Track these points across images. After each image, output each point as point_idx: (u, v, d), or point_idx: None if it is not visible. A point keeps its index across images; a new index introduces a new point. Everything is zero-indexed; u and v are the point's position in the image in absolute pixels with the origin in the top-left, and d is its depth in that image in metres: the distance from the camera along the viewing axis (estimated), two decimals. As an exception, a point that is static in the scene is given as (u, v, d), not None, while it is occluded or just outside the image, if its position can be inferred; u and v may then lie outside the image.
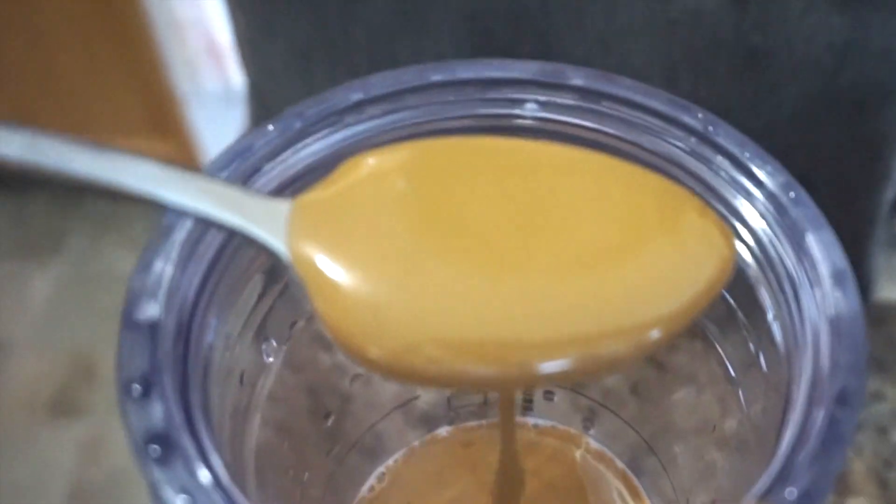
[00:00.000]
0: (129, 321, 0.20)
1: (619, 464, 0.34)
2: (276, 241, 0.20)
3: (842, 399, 0.20)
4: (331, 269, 0.20)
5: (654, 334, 0.22)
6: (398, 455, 0.33)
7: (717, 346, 0.28)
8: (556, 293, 0.21)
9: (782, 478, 0.19)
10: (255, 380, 0.25)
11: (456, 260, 0.21)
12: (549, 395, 0.34)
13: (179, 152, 1.15)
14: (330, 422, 0.30)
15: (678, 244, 0.23)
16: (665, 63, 0.38)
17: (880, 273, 0.49)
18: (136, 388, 0.19)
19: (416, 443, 0.33)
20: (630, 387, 0.34)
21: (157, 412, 0.19)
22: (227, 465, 0.20)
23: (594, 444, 0.34)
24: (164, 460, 0.18)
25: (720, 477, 0.29)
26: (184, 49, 1.11)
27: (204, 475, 0.18)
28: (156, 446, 0.18)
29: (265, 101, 0.48)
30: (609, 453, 0.34)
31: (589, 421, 0.34)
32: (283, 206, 0.21)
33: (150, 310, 0.20)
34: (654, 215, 0.23)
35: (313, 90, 0.25)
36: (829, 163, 0.40)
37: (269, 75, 0.46)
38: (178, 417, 0.19)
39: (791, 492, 0.19)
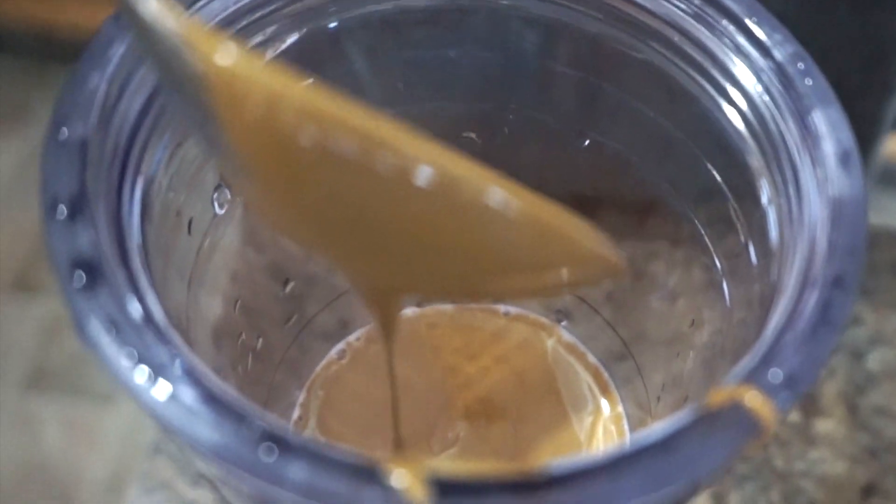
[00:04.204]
0: (55, 138, 0.18)
1: (592, 358, 0.32)
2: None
3: (838, 282, 0.18)
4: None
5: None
6: (360, 332, 0.32)
7: (707, 242, 0.26)
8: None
9: (767, 359, 0.18)
10: (205, 231, 0.23)
11: None
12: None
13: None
14: (288, 288, 0.29)
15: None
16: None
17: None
18: (62, 209, 0.17)
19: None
20: (605, 293, 0.32)
21: (84, 237, 0.17)
22: (167, 313, 0.18)
23: (567, 337, 0.33)
24: (89, 289, 0.17)
25: (695, 380, 0.28)
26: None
27: (134, 308, 0.17)
28: (81, 273, 0.17)
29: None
30: (582, 347, 0.33)
31: (562, 313, 0.33)
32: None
33: (80, 128, 0.18)
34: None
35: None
36: (831, 70, 0.38)
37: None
38: (110, 247, 0.17)
39: (775, 373, 0.17)
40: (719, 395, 0.17)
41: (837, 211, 0.19)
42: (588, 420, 0.31)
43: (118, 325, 0.16)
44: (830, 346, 0.18)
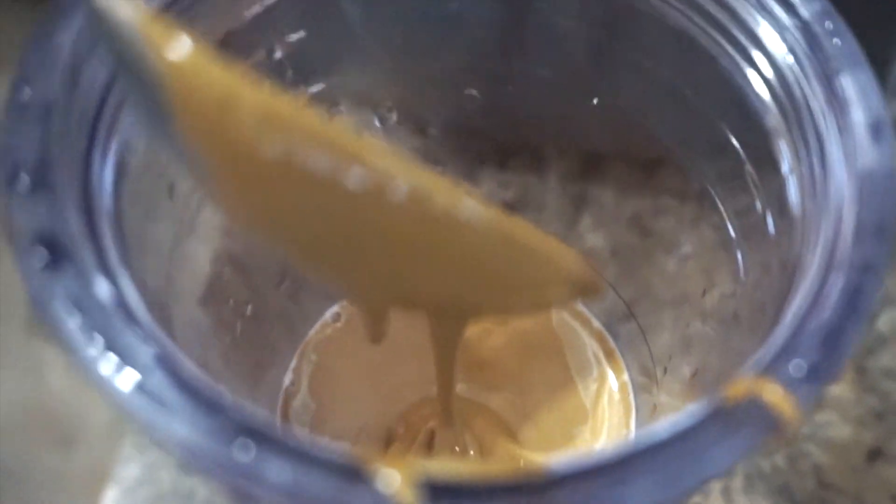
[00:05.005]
0: (17, 100, 0.16)
1: (597, 323, 0.31)
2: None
3: (866, 267, 0.17)
4: None
5: None
6: (356, 295, 0.31)
7: (719, 203, 0.25)
8: None
9: (789, 350, 0.16)
10: (189, 195, 0.22)
11: None
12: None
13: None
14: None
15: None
16: None
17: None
18: (24, 178, 0.16)
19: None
20: (610, 250, 0.31)
21: (48, 210, 0.16)
22: (147, 289, 0.17)
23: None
24: (53, 268, 0.15)
25: (704, 350, 0.27)
26: None
27: (102, 289, 0.15)
28: (44, 250, 0.15)
29: None
30: (586, 312, 0.31)
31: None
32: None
33: (45, 88, 0.16)
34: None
35: None
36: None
37: None
38: (77, 221, 0.16)
39: (798, 366, 0.16)
40: (736, 388, 0.16)
41: (866, 186, 0.18)
42: (593, 387, 0.30)
43: (83, 309, 0.15)
44: (858, 338, 0.16)
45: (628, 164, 0.30)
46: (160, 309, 0.19)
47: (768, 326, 0.18)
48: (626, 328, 0.31)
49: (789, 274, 0.20)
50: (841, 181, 0.18)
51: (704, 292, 0.27)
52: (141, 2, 0.15)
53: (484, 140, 0.30)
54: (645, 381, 0.30)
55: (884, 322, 0.35)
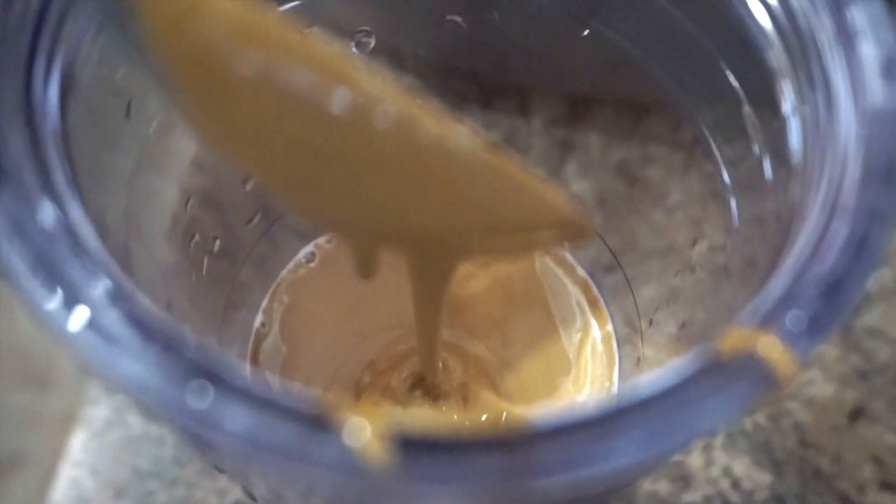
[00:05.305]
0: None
1: (581, 271, 0.30)
2: None
3: (873, 211, 0.16)
4: None
5: None
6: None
7: (713, 146, 0.24)
8: None
9: (787, 300, 0.15)
10: (152, 116, 0.20)
11: None
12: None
13: None
14: (249, 186, 0.26)
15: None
16: None
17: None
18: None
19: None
20: (597, 198, 0.30)
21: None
22: (102, 220, 0.16)
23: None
24: (-8, 191, 0.14)
25: (691, 304, 0.26)
26: None
27: (46, 215, 0.14)
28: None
29: None
30: (571, 259, 0.30)
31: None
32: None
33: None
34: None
35: None
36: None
37: None
38: (17, 136, 0.14)
39: (797, 317, 0.15)
40: (729, 340, 0.15)
41: (876, 126, 0.17)
42: (576, 337, 0.29)
43: (25, 235, 0.14)
44: (861, 288, 0.15)
45: (617, 108, 0.29)
46: (117, 241, 0.18)
47: (761, 280, 0.17)
48: (612, 278, 0.30)
49: (785, 225, 0.18)
50: (848, 121, 0.17)
51: (694, 243, 0.26)
52: None
53: (467, 78, 0.29)
54: (629, 333, 0.29)
55: (871, 281, 0.34)
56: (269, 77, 0.14)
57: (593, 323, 0.29)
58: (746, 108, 0.22)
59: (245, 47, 0.14)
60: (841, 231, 0.16)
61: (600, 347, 0.29)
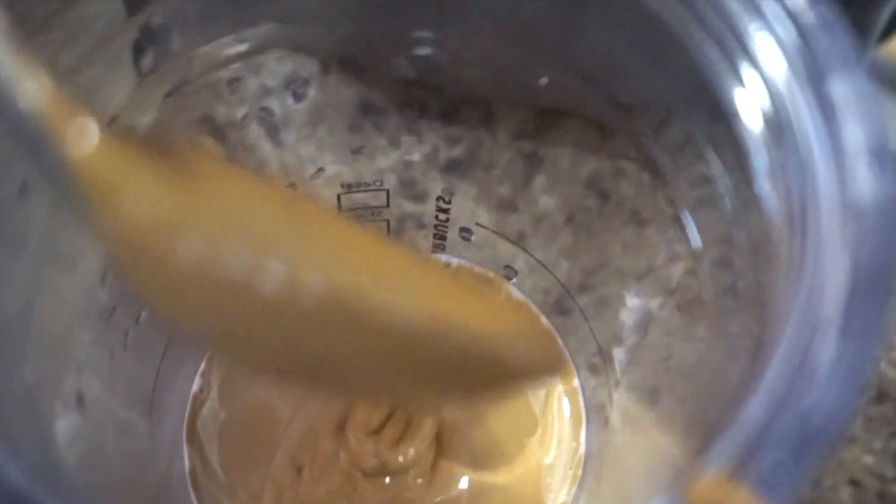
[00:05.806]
0: None
1: (545, 321, 0.28)
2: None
3: (861, 331, 0.14)
4: None
5: None
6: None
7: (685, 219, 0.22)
8: None
9: (762, 440, 0.13)
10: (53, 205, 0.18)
11: None
12: (465, 233, 0.27)
13: None
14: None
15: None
16: None
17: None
18: None
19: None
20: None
21: None
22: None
23: (516, 294, 0.28)
24: None
25: (658, 339, 0.24)
26: None
27: None
28: None
29: None
30: (534, 308, 0.28)
31: (511, 269, 0.28)
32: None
33: None
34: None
35: None
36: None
37: None
38: None
39: (774, 465, 0.13)
40: (699, 491, 0.13)
41: (864, 225, 0.15)
42: (541, 393, 0.27)
43: None
44: (849, 424, 0.13)
45: (586, 120, 0.27)
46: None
47: (733, 391, 0.15)
48: (571, 318, 0.28)
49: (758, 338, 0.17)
50: (831, 217, 0.15)
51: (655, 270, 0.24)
52: (44, 81, 0.13)
53: (429, 90, 0.27)
54: (596, 386, 0.27)
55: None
56: (205, 265, 0.14)
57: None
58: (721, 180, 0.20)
59: (184, 236, 0.14)
60: (824, 353, 0.14)
61: (567, 404, 0.27)
